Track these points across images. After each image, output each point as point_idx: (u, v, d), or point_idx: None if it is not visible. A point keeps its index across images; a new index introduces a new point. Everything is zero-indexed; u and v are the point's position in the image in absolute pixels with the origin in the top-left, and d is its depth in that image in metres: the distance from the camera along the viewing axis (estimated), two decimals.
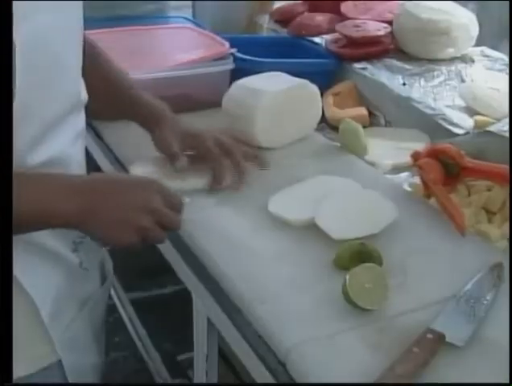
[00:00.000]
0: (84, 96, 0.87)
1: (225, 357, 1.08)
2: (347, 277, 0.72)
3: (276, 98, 1.07)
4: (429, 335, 0.67)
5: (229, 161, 0.96)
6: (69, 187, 0.74)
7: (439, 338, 0.67)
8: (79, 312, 0.86)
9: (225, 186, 0.95)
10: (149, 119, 0.99)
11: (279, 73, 1.14)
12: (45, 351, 0.82)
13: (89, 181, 0.78)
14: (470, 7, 1.48)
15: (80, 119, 0.86)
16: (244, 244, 0.85)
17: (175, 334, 1.38)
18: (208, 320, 0.86)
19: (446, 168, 0.95)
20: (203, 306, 0.86)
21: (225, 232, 0.87)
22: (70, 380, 0.84)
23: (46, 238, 0.79)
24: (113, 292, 1.47)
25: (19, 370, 0.77)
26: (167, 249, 0.94)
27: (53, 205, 0.72)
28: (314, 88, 1.12)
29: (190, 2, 1.71)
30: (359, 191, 0.93)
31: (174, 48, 1.35)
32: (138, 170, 0.98)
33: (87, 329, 0.88)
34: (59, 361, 0.83)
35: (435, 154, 0.96)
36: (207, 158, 0.96)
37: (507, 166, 0.94)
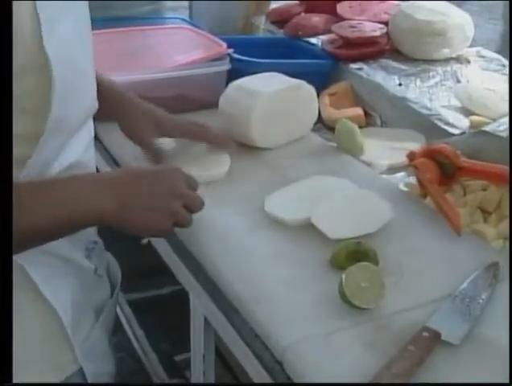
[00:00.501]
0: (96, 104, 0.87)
1: (223, 357, 1.08)
2: (343, 276, 0.72)
3: (272, 99, 1.08)
4: (425, 334, 0.67)
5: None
6: (101, 185, 0.74)
7: (435, 336, 0.67)
8: (96, 320, 0.86)
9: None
10: (117, 108, 0.99)
11: (275, 74, 1.14)
12: (67, 359, 0.81)
13: (117, 176, 0.79)
14: (466, 7, 1.48)
15: (92, 126, 0.86)
16: (240, 243, 0.85)
17: (173, 334, 1.38)
18: (205, 319, 0.87)
19: (442, 168, 0.96)
20: (200, 306, 0.87)
21: (222, 231, 0.88)
22: None
23: (60, 246, 0.78)
24: None
25: (45, 380, 0.77)
26: (164, 250, 0.95)
27: (89, 204, 0.72)
28: (310, 89, 1.12)
29: (187, 3, 1.72)
30: (355, 191, 0.93)
31: (171, 49, 1.36)
32: None
33: (104, 336, 0.87)
34: (80, 369, 0.82)
35: (430, 154, 0.97)
36: (190, 138, 1.01)
37: (503, 166, 0.94)
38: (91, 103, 0.83)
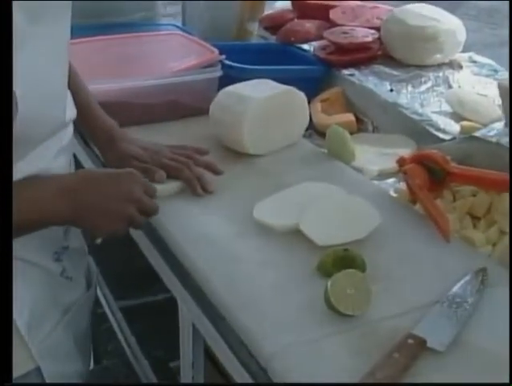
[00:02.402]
0: (71, 114, 0.88)
1: (214, 361, 1.07)
2: (329, 283, 0.72)
3: (263, 105, 1.08)
4: (410, 340, 0.67)
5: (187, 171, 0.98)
6: (60, 188, 0.79)
7: (420, 343, 0.67)
8: (60, 320, 0.87)
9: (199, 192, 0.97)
10: (101, 137, 1.01)
11: (266, 80, 1.14)
12: (22, 358, 0.82)
13: (76, 179, 0.83)
14: (464, 11, 1.49)
15: (65, 135, 0.87)
16: (229, 250, 0.85)
17: (167, 341, 1.37)
18: (194, 326, 0.87)
19: (431, 173, 0.96)
20: (188, 313, 0.86)
21: (210, 238, 0.87)
22: None
23: (25, 250, 0.81)
24: (103, 300, 1.47)
25: None
26: (153, 256, 0.94)
27: (49, 206, 0.79)
28: (301, 95, 1.12)
29: (180, 10, 1.72)
30: (344, 197, 0.93)
31: (163, 56, 1.36)
32: None
33: (69, 336, 0.89)
34: (38, 368, 0.84)
35: (420, 160, 0.97)
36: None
37: (492, 172, 0.94)
38: (60, 119, 0.83)
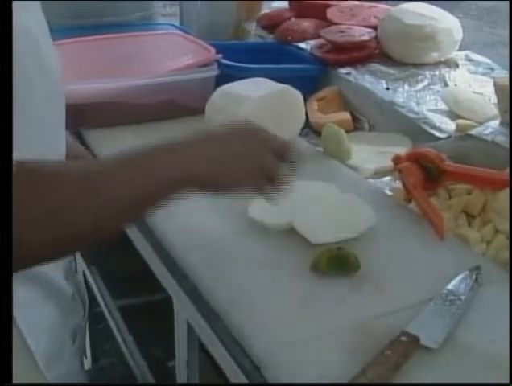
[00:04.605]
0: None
1: (211, 359, 1.07)
2: None
3: (258, 104, 1.08)
4: (403, 338, 0.67)
5: None
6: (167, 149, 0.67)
7: (413, 340, 0.67)
8: (71, 347, 0.84)
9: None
10: None
11: (262, 79, 1.14)
12: None
13: (203, 139, 0.71)
14: (465, 11, 1.49)
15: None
16: (223, 249, 0.85)
17: (165, 340, 1.38)
18: (189, 325, 0.87)
19: (426, 172, 0.96)
20: (183, 311, 0.87)
21: (205, 236, 0.88)
22: None
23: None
24: (101, 300, 1.47)
25: None
26: (148, 254, 0.94)
27: (188, 170, 0.66)
28: (297, 93, 1.12)
29: (177, 10, 1.72)
30: (338, 196, 0.93)
31: (160, 55, 1.36)
32: None
33: (76, 362, 0.86)
34: None
35: (415, 158, 0.97)
36: None
37: (487, 170, 0.94)
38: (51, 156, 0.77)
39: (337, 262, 0.77)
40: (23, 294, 0.74)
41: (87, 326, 0.96)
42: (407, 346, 0.66)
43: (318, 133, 1.20)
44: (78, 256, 1.42)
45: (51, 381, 0.79)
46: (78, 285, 0.91)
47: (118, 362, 1.45)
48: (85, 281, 1.48)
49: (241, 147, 0.72)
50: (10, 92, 0.58)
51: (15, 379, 0.69)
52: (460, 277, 0.78)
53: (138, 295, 1.53)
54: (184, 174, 0.66)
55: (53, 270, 0.79)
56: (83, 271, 1.45)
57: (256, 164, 0.71)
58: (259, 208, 0.90)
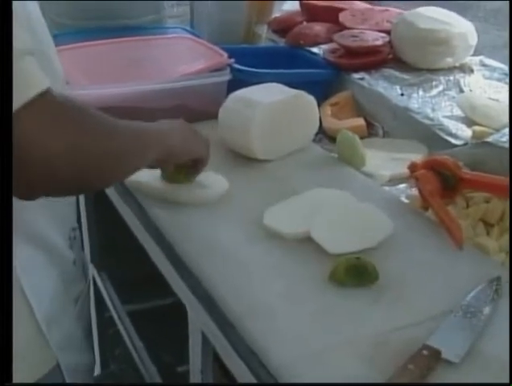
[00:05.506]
0: None
1: (224, 368, 1.06)
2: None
3: (272, 109, 1.06)
4: (424, 352, 0.66)
5: None
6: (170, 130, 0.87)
7: (435, 354, 0.66)
8: (73, 311, 0.88)
9: None
10: None
11: (276, 84, 1.13)
12: (44, 356, 0.83)
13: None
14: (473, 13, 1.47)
15: None
16: (238, 257, 0.84)
17: (175, 345, 1.37)
18: (203, 334, 0.85)
19: (443, 180, 0.94)
20: (197, 321, 0.85)
21: (219, 245, 0.86)
22: (68, 381, 0.85)
23: (46, 229, 0.80)
24: (110, 304, 1.46)
25: (21, 379, 0.76)
26: (161, 262, 0.93)
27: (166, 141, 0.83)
28: (311, 99, 1.11)
29: (184, 10, 1.71)
30: (355, 204, 0.92)
31: (172, 59, 1.35)
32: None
33: (79, 328, 0.90)
34: (57, 364, 0.84)
35: (431, 166, 0.95)
36: None
37: (505, 178, 0.93)
38: None
39: (356, 272, 0.76)
40: (27, 256, 0.78)
41: (90, 292, 0.98)
42: (429, 360, 0.65)
43: (332, 139, 1.19)
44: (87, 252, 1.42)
45: (52, 344, 0.82)
46: (80, 255, 0.94)
47: (128, 367, 1.44)
48: (95, 285, 1.47)
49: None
50: (11, 92, 0.58)
51: (17, 341, 0.71)
52: (479, 288, 0.77)
53: (147, 300, 1.53)
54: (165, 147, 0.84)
55: (57, 236, 0.83)
56: (93, 276, 1.44)
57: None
58: (274, 216, 0.89)
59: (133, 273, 1.46)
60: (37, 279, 0.80)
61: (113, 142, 0.69)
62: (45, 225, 0.81)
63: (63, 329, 0.85)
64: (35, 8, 0.81)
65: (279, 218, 0.89)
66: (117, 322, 1.43)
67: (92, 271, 1.44)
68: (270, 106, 1.06)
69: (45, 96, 0.60)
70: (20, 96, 0.57)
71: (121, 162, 0.72)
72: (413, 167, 0.97)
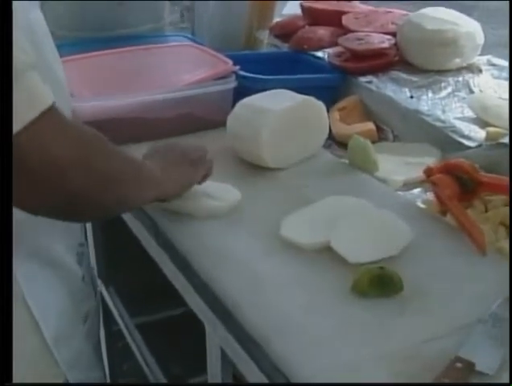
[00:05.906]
0: None
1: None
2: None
3: (281, 116, 1.04)
4: (458, 364, 0.64)
5: None
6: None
7: (469, 366, 0.64)
8: (82, 329, 0.87)
9: None
10: None
11: (284, 90, 1.11)
12: (51, 373, 0.82)
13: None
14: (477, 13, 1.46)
15: None
16: (255, 270, 0.82)
17: (185, 356, 1.34)
18: (222, 351, 0.83)
19: (461, 183, 0.92)
20: (215, 336, 0.83)
21: (235, 257, 0.84)
22: None
23: (53, 244, 0.79)
24: (118, 318, 1.44)
25: None
26: (175, 277, 0.91)
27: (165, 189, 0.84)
28: (320, 105, 1.09)
29: (186, 20, 1.69)
30: (373, 212, 0.90)
31: (176, 68, 1.33)
32: None
33: (88, 345, 0.88)
34: (66, 380, 0.83)
35: (448, 170, 0.94)
36: None
37: None
38: None
39: (380, 283, 0.74)
40: (32, 272, 0.77)
41: (100, 309, 0.97)
42: (463, 372, 0.63)
43: (341, 145, 1.17)
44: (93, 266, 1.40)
45: (61, 361, 0.82)
46: (89, 271, 0.93)
47: (138, 381, 1.42)
48: (103, 300, 1.44)
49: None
50: (11, 93, 0.57)
51: (23, 358, 0.70)
52: (506, 296, 0.75)
53: (155, 311, 1.51)
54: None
55: (64, 252, 0.83)
56: (100, 291, 1.41)
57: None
58: (291, 227, 0.87)
59: (140, 285, 1.44)
60: (43, 295, 0.79)
61: (114, 164, 0.69)
62: (52, 241, 0.80)
63: (72, 347, 0.84)
64: (39, 19, 0.80)
65: (296, 228, 0.86)
66: (126, 335, 1.41)
67: (99, 285, 1.42)
68: (280, 113, 1.04)
69: (49, 112, 0.60)
70: (24, 115, 0.57)
71: (121, 186, 0.70)
72: (429, 171, 0.95)
